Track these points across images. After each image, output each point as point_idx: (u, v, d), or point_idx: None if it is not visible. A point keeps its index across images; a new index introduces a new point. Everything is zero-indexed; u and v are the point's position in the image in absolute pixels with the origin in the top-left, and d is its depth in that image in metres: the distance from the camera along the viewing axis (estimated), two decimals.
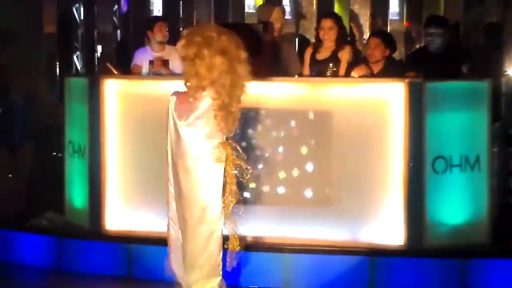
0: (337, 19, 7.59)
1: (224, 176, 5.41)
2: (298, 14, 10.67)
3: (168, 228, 5.48)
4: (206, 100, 5.28)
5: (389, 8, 10.38)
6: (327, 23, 7.44)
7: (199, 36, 5.34)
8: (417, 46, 8.34)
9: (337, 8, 10.08)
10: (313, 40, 8.00)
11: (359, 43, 9.81)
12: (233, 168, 5.46)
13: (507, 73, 10.42)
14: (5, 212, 7.54)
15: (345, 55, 7.36)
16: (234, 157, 5.43)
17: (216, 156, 5.35)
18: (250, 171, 5.57)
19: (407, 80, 6.30)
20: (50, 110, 8.12)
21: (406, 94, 6.24)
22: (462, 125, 6.41)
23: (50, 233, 6.96)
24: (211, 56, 5.26)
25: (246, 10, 10.84)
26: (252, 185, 6.45)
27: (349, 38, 8.79)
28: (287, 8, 10.53)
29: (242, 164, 5.47)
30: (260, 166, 6.47)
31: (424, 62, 7.27)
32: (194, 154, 5.33)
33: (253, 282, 6.32)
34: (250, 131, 6.47)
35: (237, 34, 6.69)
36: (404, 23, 10.53)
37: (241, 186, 6.37)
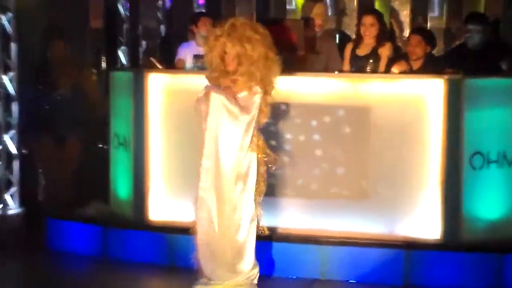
0: (378, 15, 7.57)
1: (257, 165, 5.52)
2: (339, 11, 10.65)
3: (199, 223, 5.54)
4: (257, 97, 5.42)
5: (429, 5, 10.33)
6: (368, 19, 7.44)
7: (259, 34, 5.45)
8: (457, 43, 8.28)
9: (377, 5, 10.06)
10: (354, 36, 8.00)
11: (399, 40, 9.78)
12: (264, 157, 5.57)
13: None
14: (54, 202, 7.62)
15: (385, 52, 7.35)
16: (265, 146, 5.59)
17: (252, 146, 5.47)
18: (277, 160, 5.70)
19: (446, 77, 6.30)
20: (96, 104, 8.16)
21: (445, 90, 6.23)
22: (500, 122, 6.38)
23: (96, 223, 7.02)
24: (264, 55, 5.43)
25: (288, 6, 10.85)
26: (292, 179, 6.50)
27: (389, 35, 8.78)
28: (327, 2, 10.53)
29: (271, 153, 5.60)
30: (298, 161, 6.51)
31: (462, 59, 7.25)
32: (234, 145, 5.45)
33: (291, 273, 6.36)
34: (290, 126, 6.51)
35: (276, 29, 6.78)
36: (444, 20, 10.48)
37: (282, 181, 6.46)
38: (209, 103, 5.46)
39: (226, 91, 5.46)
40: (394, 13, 10.25)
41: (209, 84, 5.54)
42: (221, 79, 5.50)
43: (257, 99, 5.45)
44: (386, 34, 7.61)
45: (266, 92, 5.50)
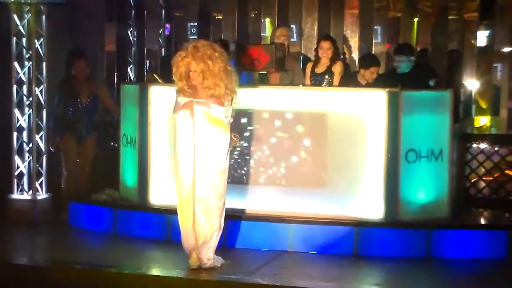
0: (333, 41, 7.58)
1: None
2: (302, 37, 10.60)
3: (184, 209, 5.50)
4: (228, 102, 5.46)
5: (373, 33, 10.30)
6: (325, 44, 7.42)
7: (217, 52, 5.36)
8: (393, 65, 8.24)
9: (332, 32, 10.00)
10: (313, 57, 7.94)
11: (349, 59, 9.74)
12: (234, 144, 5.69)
13: (464, 85, 10.34)
14: (74, 190, 7.53)
15: (337, 69, 7.36)
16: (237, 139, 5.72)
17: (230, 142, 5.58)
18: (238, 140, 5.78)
19: (387, 89, 6.23)
20: (109, 110, 8.09)
21: (386, 100, 6.18)
22: (429, 125, 6.34)
23: (108, 206, 6.94)
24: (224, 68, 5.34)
25: (262, 34, 10.76)
26: (266, 170, 6.40)
27: (342, 56, 8.73)
28: (293, 32, 10.46)
29: (237, 139, 5.71)
30: (271, 156, 6.41)
31: (394, 79, 7.20)
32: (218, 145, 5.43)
33: (265, 246, 6.27)
34: (263, 128, 6.41)
35: (253, 51, 6.70)
36: (385, 45, 10.43)
37: (258, 172, 6.37)
38: (193, 114, 5.38)
39: (203, 103, 5.38)
40: (345, 40, 10.22)
41: (183, 98, 5.42)
42: (190, 91, 5.41)
43: (228, 104, 5.40)
44: (338, 55, 7.59)
45: (232, 96, 5.43)
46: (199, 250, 5.49)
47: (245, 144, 6.38)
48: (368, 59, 7.73)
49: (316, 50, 7.58)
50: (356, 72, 7.58)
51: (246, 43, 9.24)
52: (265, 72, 7.08)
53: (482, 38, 10.11)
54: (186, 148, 5.46)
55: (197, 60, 5.35)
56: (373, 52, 9.69)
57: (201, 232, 5.47)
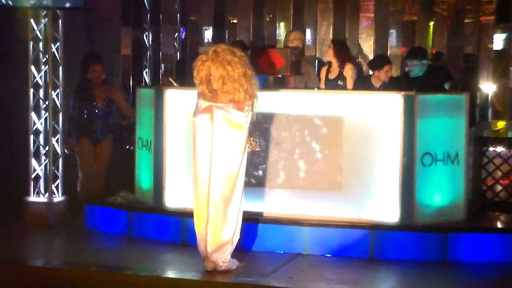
0: (344, 44, 7.55)
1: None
2: (317, 41, 10.60)
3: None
4: (247, 108, 5.47)
5: (388, 36, 10.29)
6: (329, 49, 7.44)
7: (237, 57, 5.36)
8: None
9: (347, 36, 10.01)
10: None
11: (364, 63, 9.73)
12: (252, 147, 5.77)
13: (480, 88, 10.30)
14: (89, 192, 7.57)
15: (348, 72, 7.33)
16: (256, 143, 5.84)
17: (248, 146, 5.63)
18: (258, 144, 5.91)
19: (402, 93, 6.21)
20: (124, 113, 8.13)
21: (402, 104, 6.15)
22: (445, 129, 6.30)
23: (123, 208, 6.96)
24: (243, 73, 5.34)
25: (277, 38, 10.78)
26: (282, 174, 6.40)
27: (357, 61, 8.73)
28: (309, 35, 10.47)
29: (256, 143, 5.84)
30: (287, 159, 6.41)
31: (407, 83, 7.18)
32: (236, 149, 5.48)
33: (280, 249, 6.27)
34: (279, 132, 6.41)
35: (269, 55, 6.72)
36: (401, 48, 10.42)
37: (274, 175, 6.37)
38: (213, 118, 5.39)
39: (223, 107, 5.39)
40: (360, 50, 10.25)
41: (204, 102, 5.43)
42: (210, 95, 5.41)
43: (248, 109, 5.40)
44: (347, 58, 7.52)
45: (252, 101, 5.42)
46: (212, 255, 5.49)
47: (261, 148, 6.38)
48: (379, 60, 7.74)
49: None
50: (369, 76, 7.57)
51: (261, 47, 9.25)
52: (280, 76, 7.08)
53: (498, 41, 10.07)
54: (204, 151, 5.47)
55: (216, 65, 5.35)
56: (388, 55, 9.67)
57: (216, 236, 5.47)
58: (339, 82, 7.33)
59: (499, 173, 7.32)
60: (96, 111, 7.63)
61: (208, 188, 5.44)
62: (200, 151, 5.49)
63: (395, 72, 7.84)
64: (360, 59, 9.90)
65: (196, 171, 5.54)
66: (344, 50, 7.55)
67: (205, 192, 5.46)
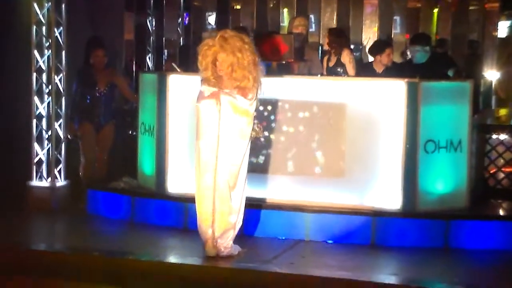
0: (340, 32, 7.53)
1: None
2: (321, 27, 10.56)
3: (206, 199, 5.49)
4: (252, 95, 5.44)
5: (392, 23, 10.25)
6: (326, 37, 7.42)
7: (247, 44, 5.33)
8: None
9: (351, 22, 9.97)
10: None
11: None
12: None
13: (484, 76, 10.27)
14: (92, 177, 7.57)
15: (345, 58, 7.31)
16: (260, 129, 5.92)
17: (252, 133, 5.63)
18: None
19: (406, 80, 6.19)
20: (127, 98, 8.12)
21: (405, 91, 6.13)
22: (448, 116, 6.28)
23: (126, 193, 6.96)
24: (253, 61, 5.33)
25: (281, 24, 10.75)
26: (285, 160, 6.39)
27: (361, 46, 8.71)
28: (312, 22, 10.43)
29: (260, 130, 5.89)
30: (290, 146, 6.40)
31: (410, 69, 7.16)
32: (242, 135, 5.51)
33: (282, 235, 6.27)
34: (282, 118, 6.40)
35: (272, 41, 6.69)
36: (405, 35, 10.39)
37: (278, 162, 6.36)
38: (220, 104, 5.36)
39: (229, 93, 5.36)
40: (365, 30, 10.20)
41: (208, 88, 5.40)
42: (215, 80, 5.38)
43: (253, 95, 5.38)
44: (344, 45, 7.49)
45: (257, 88, 5.41)
46: (216, 240, 5.49)
47: (264, 134, 6.37)
48: (379, 44, 7.72)
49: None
50: (371, 63, 7.55)
51: (265, 33, 9.22)
52: (283, 62, 7.06)
53: (503, 28, 10.03)
54: (210, 137, 5.44)
55: (226, 52, 5.30)
56: (393, 43, 9.64)
57: (223, 222, 5.47)
58: (339, 69, 7.33)
59: (502, 160, 7.32)
60: (99, 95, 7.62)
61: (215, 175, 5.42)
62: (205, 137, 5.47)
63: (398, 59, 7.80)
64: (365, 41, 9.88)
65: (200, 158, 5.51)
66: (341, 38, 7.54)
67: (211, 179, 5.44)
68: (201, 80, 5.53)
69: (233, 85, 5.38)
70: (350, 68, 7.29)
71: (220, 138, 5.40)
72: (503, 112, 9.63)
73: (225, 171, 5.43)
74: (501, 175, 7.31)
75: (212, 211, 5.46)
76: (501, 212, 6.72)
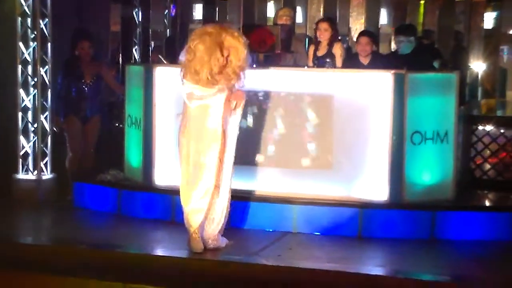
0: (331, 22, 7.48)
1: None
2: (308, 19, 10.53)
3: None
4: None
5: (379, 15, 10.24)
6: (323, 25, 7.34)
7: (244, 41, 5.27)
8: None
9: (338, 14, 9.95)
10: (314, 39, 7.88)
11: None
12: None
13: (470, 67, 10.29)
14: (78, 170, 7.53)
15: (337, 51, 7.27)
16: None
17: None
18: None
19: (393, 71, 6.18)
20: (113, 91, 8.06)
21: (392, 82, 6.11)
22: (435, 107, 6.28)
23: (112, 186, 6.92)
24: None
25: (268, 15, 10.72)
26: (273, 152, 6.37)
27: (347, 38, 8.67)
28: (299, 13, 10.40)
29: None
30: (278, 138, 6.38)
31: (395, 60, 7.14)
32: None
33: (269, 227, 6.26)
34: (269, 110, 6.37)
35: (259, 33, 6.64)
36: (391, 27, 10.37)
37: (265, 154, 6.34)
38: (210, 103, 5.28)
39: (221, 89, 5.31)
40: (352, 21, 10.18)
41: (197, 87, 5.32)
42: (211, 78, 5.25)
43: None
44: (337, 37, 7.47)
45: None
46: (206, 231, 5.47)
47: (251, 126, 6.35)
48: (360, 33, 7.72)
49: (315, 31, 7.52)
50: (356, 54, 7.54)
51: (252, 25, 9.19)
52: (270, 54, 7.03)
53: (489, 20, 10.04)
54: (196, 134, 5.36)
55: (231, 51, 5.17)
56: (379, 34, 9.63)
57: (222, 216, 5.48)
58: (328, 60, 7.29)
59: (488, 151, 7.34)
60: (85, 88, 7.55)
61: (218, 175, 5.36)
62: (191, 134, 5.37)
63: (385, 50, 7.78)
64: (352, 31, 9.85)
65: (188, 151, 5.38)
66: (336, 29, 7.51)
67: (211, 179, 5.36)
68: (188, 77, 5.34)
69: (230, 84, 5.28)
70: (340, 61, 7.27)
71: (207, 134, 5.33)
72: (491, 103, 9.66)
73: (228, 170, 5.40)
74: (487, 166, 7.34)
75: (208, 209, 5.42)
76: (487, 203, 6.75)
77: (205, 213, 5.42)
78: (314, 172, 6.29)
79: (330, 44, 7.24)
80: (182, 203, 5.49)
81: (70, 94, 7.55)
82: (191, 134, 5.38)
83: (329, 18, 7.89)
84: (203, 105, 5.32)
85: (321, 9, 10.32)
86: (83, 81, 7.54)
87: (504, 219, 6.12)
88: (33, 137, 7.38)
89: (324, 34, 7.24)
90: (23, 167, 7.38)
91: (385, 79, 6.15)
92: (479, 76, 10.18)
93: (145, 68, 6.87)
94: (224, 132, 5.36)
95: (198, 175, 5.37)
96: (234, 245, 5.69)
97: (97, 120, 7.67)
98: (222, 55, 5.19)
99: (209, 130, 5.33)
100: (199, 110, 5.34)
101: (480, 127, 7.34)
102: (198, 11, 11.65)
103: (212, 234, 5.53)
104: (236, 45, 5.21)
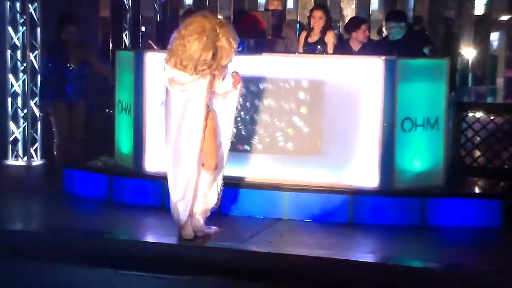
0: (326, 10, 7.46)
1: None
2: (299, 5, 10.48)
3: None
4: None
5: (370, 0, 10.19)
6: (317, 13, 7.32)
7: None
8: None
9: (329, 0, 9.90)
10: (306, 26, 7.84)
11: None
12: None
13: (461, 54, 10.28)
14: (65, 156, 7.46)
15: (330, 39, 7.27)
16: None
17: None
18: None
19: (383, 57, 6.15)
20: (102, 76, 7.97)
21: (383, 68, 6.08)
22: (425, 94, 6.26)
23: (103, 172, 6.87)
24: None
25: (259, 1, 10.65)
26: (263, 138, 6.35)
27: (338, 24, 8.64)
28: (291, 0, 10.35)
29: None
30: (267, 123, 6.35)
31: (386, 46, 7.11)
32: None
33: (260, 214, 6.24)
34: (260, 96, 6.33)
35: (250, 18, 6.58)
36: (382, 13, 10.34)
37: (255, 139, 6.31)
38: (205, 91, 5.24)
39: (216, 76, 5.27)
40: (343, 8, 10.15)
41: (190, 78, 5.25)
42: (206, 68, 5.19)
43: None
44: (330, 25, 7.46)
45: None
46: (196, 213, 5.45)
47: (241, 112, 6.31)
48: (354, 21, 7.68)
49: (309, 19, 7.48)
50: (347, 40, 7.50)
51: (243, 11, 9.12)
52: (261, 39, 7.00)
53: (479, 6, 10.02)
54: (180, 120, 5.30)
55: (216, 49, 5.11)
56: (370, 21, 9.59)
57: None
58: (319, 46, 7.27)
59: (478, 138, 7.34)
60: (70, 72, 7.40)
61: (191, 159, 5.31)
62: (188, 121, 5.30)
63: (376, 36, 7.75)
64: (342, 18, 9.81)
65: (182, 136, 5.29)
66: (330, 17, 7.50)
67: (192, 166, 5.31)
68: (178, 67, 5.24)
69: (219, 72, 5.24)
70: (331, 49, 7.25)
71: (188, 121, 5.26)
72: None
73: (191, 154, 5.31)
74: (478, 153, 7.34)
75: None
76: (477, 190, 6.76)
77: (191, 200, 5.37)
78: (304, 158, 6.27)
79: (323, 32, 7.22)
80: (169, 190, 5.45)
81: (55, 78, 7.42)
82: (172, 121, 5.32)
83: (324, 6, 7.88)
84: (184, 91, 5.26)
85: None
86: (68, 65, 7.40)
87: (494, 205, 6.12)
88: (23, 123, 7.33)
89: (318, 22, 7.22)
90: (12, 153, 7.34)
91: (376, 65, 6.13)
92: (470, 63, 10.17)
93: (136, 53, 6.81)
94: (205, 118, 5.29)
95: (179, 163, 5.32)
96: (224, 232, 5.67)
97: (83, 105, 7.53)
98: (213, 55, 5.15)
99: (190, 117, 5.26)
100: (180, 96, 5.27)
101: (470, 114, 7.34)
102: None
103: (203, 209, 5.48)
104: (228, 48, 5.15)
